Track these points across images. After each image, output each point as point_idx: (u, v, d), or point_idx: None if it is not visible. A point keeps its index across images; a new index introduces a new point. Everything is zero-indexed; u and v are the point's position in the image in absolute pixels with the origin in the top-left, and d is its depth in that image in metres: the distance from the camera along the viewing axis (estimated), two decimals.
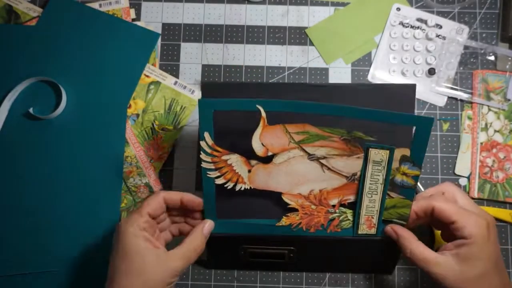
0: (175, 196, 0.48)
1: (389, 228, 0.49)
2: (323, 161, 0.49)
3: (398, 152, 0.48)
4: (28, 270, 0.57)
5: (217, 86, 0.57)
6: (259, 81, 0.63)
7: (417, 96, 0.62)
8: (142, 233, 0.44)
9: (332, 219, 0.50)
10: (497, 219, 0.59)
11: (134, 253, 0.43)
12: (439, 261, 0.44)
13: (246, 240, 0.54)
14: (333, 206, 0.50)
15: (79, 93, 0.61)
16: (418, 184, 0.59)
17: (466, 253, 0.43)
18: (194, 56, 0.64)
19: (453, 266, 0.43)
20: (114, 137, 0.60)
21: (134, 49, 0.62)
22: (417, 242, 0.46)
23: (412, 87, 0.53)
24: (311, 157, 0.49)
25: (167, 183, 0.61)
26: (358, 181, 0.49)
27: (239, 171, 0.49)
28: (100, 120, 0.61)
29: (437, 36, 0.63)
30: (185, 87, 0.62)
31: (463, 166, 0.60)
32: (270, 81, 0.63)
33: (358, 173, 0.49)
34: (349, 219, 0.50)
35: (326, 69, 0.63)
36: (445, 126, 0.61)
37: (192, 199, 0.49)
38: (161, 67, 0.63)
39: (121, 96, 0.61)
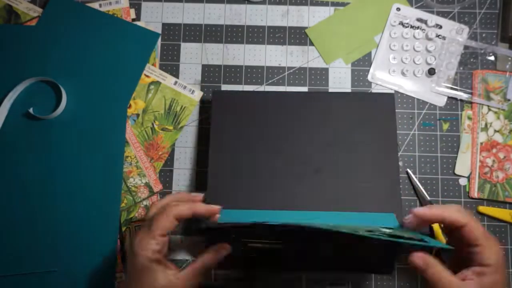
0: (186, 211, 0.47)
1: (418, 256, 0.44)
2: None
3: None
4: (27, 270, 0.57)
5: (226, 94, 0.59)
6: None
7: (417, 96, 0.62)
8: (155, 256, 0.45)
9: None
10: (497, 219, 0.59)
11: (147, 276, 0.44)
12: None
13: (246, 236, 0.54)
14: None
15: (79, 93, 0.61)
16: (422, 189, 0.59)
17: (489, 282, 0.42)
18: (194, 56, 0.64)
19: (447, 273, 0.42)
20: (114, 137, 0.60)
21: (134, 49, 0.62)
22: (446, 272, 0.43)
23: (391, 96, 0.57)
24: None
25: (167, 183, 0.61)
26: None
27: None
28: (100, 120, 0.61)
29: (437, 36, 0.63)
30: (185, 87, 0.62)
31: (463, 166, 0.60)
32: (270, 81, 0.63)
33: None
34: None
35: (326, 69, 0.63)
36: (445, 126, 0.61)
37: (204, 210, 0.48)
38: (161, 67, 0.63)
39: (121, 96, 0.61)
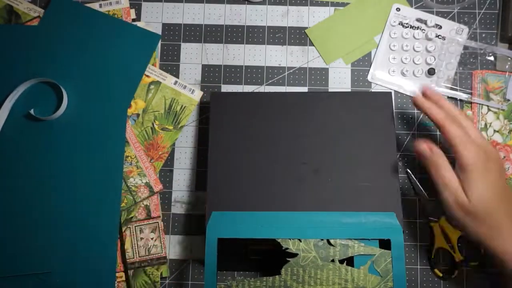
0: None
1: (424, 144, 0.50)
2: None
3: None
4: (27, 271, 0.57)
5: (224, 96, 0.59)
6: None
7: None
8: None
9: None
10: None
11: None
12: (458, 192, 0.46)
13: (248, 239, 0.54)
14: None
15: (80, 94, 0.61)
16: (422, 189, 0.60)
17: (466, 184, 0.46)
18: (194, 56, 0.64)
19: (461, 197, 0.46)
20: (114, 138, 0.60)
21: (135, 51, 0.62)
22: (448, 166, 0.48)
23: (389, 95, 0.58)
24: None
25: (167, 183, 0.61)
26: None
27: None
28: (101, 121, 0.61)
29: (437, 36, 0.63)
30: (185, 87, 0.63)
31: None
32: (270, 81, 0.63)
33: None
34: None
35: (326, 69, 0.63)
36: None
37: None
38: (161, 67, 0.63)
39: (122, 97, 0.61)
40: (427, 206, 0.58)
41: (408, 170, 0.60)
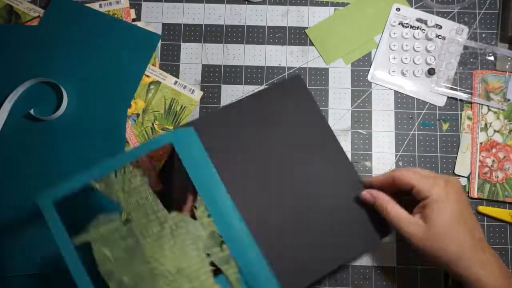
0: None
1: (365, 192, 0.51)
2: None
3: None
4: (28, 271, 0.57)
5: (207, 120, 0.56)
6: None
7: (417, 96, 0.62)
8: None
9: None
10: (497, 219, 0.59)
11: None
12: (411, 221, 0.47)
13: None
14: None
15: (80, 94, 0.61)
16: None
17: (427, 212, 0.46)
18: (194, 56, 0.64)
19: (420, 226, 0.46)
20: (114, 138, 0.60)
21: (135, 51, 0.62)
22: (393, 203, 0.49)
23: (297, 77, 0.57)
24: None
25: (167, 183, 0.61)
26: None
27: None
28: (101, 121, 0.61)
29: (437, 36, 0.63)
30: (185, 87, 0.63)
31: (462, 166, 0.60)
32: (269, 81, 0.63)
33: None
34: None
35: (326, 69, 0.63)
36: (445, 126, 0.62)
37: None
38: (161, 67, 0.63)
39: (122, 97, 0.61)
40: None
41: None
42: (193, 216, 0.48)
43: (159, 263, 0.47)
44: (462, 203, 0.47)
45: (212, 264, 0.47)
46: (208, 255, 0.47)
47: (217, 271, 0.47)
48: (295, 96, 0.56)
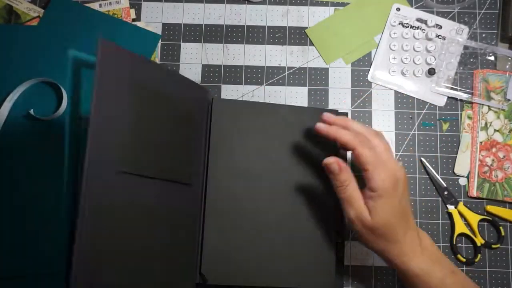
0: None
1: (334, 160, 0.49)
2: None
3: None
4: (29, 270, 0.57)
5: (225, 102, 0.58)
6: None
7: (417, 96, 0.62)
8: None
9: None
10: (501, 218, 0.59)
11: None
12: (360, 206, 0.48)
13: None
14: None
15: (80, 94, 0.61)
16: (438, 177, 0.60)
17: (373, 205, 0.47)
18: (194, 56, 0.64)
19: (365, 217, 0.47)
20: None
21: (135, 51, 0.61)
22: (355, 182, 0.49)
23: (344, 114, 0.58)
24: None
25: None
26: None
27: None
28: None
29: (437, 36, 0.63)
30: None
31: (462, 165, 0.60)
32: (270, 81, 0.63)
33: None
34: None
35: (326, 69, 0.63)
36: (445, 126, 0.62)
37: None
38: None
39: None
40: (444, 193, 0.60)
41: (423, 159, 0.60)
42: None
43: None
44: (405, 196, 0.48)
45: None
46: None
47: None
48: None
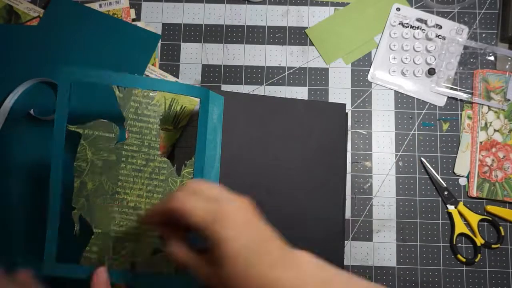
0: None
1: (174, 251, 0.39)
2: None
3: None
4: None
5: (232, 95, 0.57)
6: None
7: (417, 96, 0.62)
8: None
9: None
10: (500, 218, 0.60)
11: None
12: (200, 263, 0.38)
13: None
14: None
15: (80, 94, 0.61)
16: (438, 177, 0.60)
17: (217, 256, 0.36)
18: (194, 56, 0.64)
19: (210, 270, 0.38)
20: None
21: (135, 51, 0.62)
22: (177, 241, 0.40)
23: (342, 106, 0.57)
24: None
25: None
26: None
27: None
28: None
29: (437, 36, 0.63)
30: None
31: (462, 165, 0.60)
32: (269, 81, 0.63)
33: None
34: None
35: (326, 69, 0.63)
36: (445, 126, 0.62)
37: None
38: (161, 67, 0.63)
39: None
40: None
41: (423, 159, 0.60)
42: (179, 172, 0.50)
43: (124, 191, 0.49)
44: (253, 229, 0.38)
45: None
46: None
47: None
48: (331, 119, 0.57)
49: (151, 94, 0.51)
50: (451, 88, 0.62)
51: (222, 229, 0.36)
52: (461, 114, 0.62)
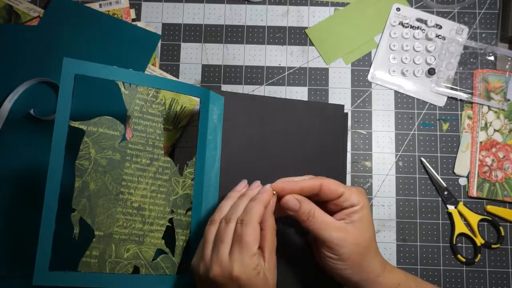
0: (262, 210, 0.44)
1: (290, 197, 0.45)
2: None
3: None
4: (26, 271, 0.57)
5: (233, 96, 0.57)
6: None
7: (417, 96, 0.62)
8: (257, 270, 0.42)
9: None
10: (500, 218, 0.60)
11: None
12: (338, 225, 0.45)
13: None
14: None
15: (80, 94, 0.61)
16: (438, 177, 0.60)
17: (359, 218, 0.45)
18: (194, 56, 0.64)
19: (349, 232, 0.45)
20: None
21: (135, 51, 0.62)
22: (319, 208, 0.46)
23: (341, 107, 0.57)
24: None
25: None
26: None
27: None
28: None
29: (437, 36, 0.63)
30: None
31: (462, 165, 0.60)
32: (269, 81, 0.63)
33: None
34: None
35: (326, 69, 0.63)
36: (445, 126, 0.62)
37: (269, 197, 0.46)
38: (161, 67, 0.63)
39: None
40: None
41: (423, 159, 0.60)
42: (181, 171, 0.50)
43: (128, 191, 0.48)
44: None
45: (170, 221, 0.49)
46: (172, 211, 0.49)
47: (169, 230, 0.49)
48: (330, 120, 0.56)
49: (150, 91, 0.50)
50: (451, 88, 0.62)
51: (362, 197, 0.46)
52: (461, 114, 0.62)
